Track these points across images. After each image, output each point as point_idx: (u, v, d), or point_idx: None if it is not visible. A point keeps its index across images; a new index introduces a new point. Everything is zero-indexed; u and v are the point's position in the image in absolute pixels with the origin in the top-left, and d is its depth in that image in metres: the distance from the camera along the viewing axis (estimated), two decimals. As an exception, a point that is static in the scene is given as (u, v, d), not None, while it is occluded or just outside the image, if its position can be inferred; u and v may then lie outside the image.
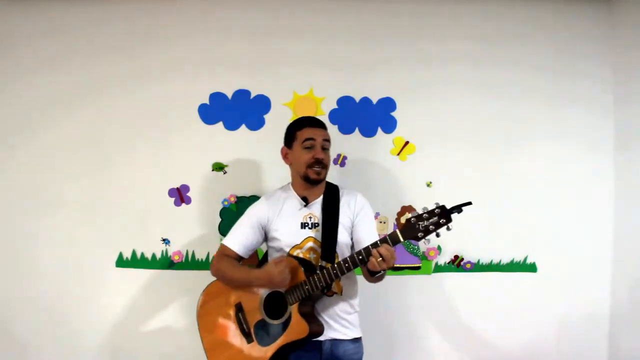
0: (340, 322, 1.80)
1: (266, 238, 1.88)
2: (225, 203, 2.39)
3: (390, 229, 2.44)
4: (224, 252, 1.84)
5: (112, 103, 2.41)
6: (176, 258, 2.39)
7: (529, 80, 2.51)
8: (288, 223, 1.82)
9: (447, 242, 2.45)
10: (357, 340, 1.84)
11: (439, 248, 2.46)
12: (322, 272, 1.66)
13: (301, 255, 1.78)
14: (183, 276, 2.38)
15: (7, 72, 2.41)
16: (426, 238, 1.56)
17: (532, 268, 2.50)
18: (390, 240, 1.58)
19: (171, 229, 2.40)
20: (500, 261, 2.49)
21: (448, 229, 1.56)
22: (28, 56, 2.41)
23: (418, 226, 1.55)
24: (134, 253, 2.40)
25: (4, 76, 2.41)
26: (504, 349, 2.49)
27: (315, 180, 1.81)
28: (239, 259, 1.85)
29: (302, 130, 1.83)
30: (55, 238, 2.38)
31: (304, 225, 1.81)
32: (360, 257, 1.61)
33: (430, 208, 1.56)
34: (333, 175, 2.41)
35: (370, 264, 1.59)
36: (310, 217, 1.82)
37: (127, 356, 2.39)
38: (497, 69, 2.50)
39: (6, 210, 2.39)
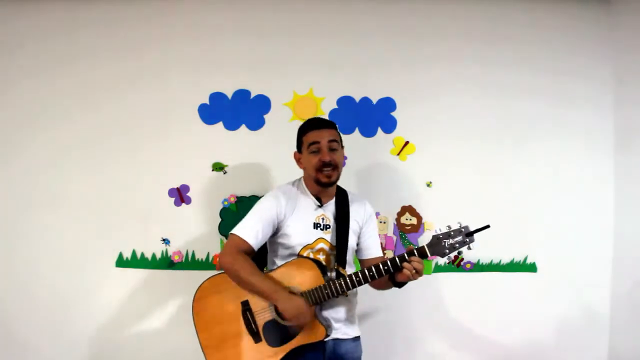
0: (343, 322, 1.80)
1: (275, 232, 1.81)
2: (225, 203, 2.39)
3: (390, 229, 2.44)
4: (239, 246, 1.72)
5: (112, 103, 2.41)
6: (176, 258, 2.39)
7: (529, 80, 2.51)
8: (302, 222, 1.79)
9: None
10: (357, 339, 1.85)
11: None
12: (345, 278, 1.67)
13: (311, 256, 1.77)
14: (183, 276, 2.38)
15: (8, 72, 2.41)
16: (449, 255, 1.66)
17: (532, 268, 2.50)
18: (417, 253, 1.65)
19: (171, 229, 2.40)
20: (500, 261, 2.49)
21: (469, 248, 1.67)
22: (29, 56, 2.41)
23: (444, 243, 1.66)
24: (134, 253, 2.40)
25: (5, 76, 2.41)
26: (504, 349, 2.49)
27: (326, 184, 1.78)
28: (251, 252, 1.75)
29: (307, 135, 1.81)
30: (55, 238, 2.38)
31: (316, 226, 1.80)
32: (386, 268, 1.65)
33: (454, 227, 1.68)
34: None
35: (402, 275, 1.65)
36: (323, 218, 1.82)
37: (127, 356, 2.39)
38: (498, 69, 2.50)
39: (6, 210, 2.39)
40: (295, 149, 1.89)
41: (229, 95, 2.42)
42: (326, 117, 2.44)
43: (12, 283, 2.38)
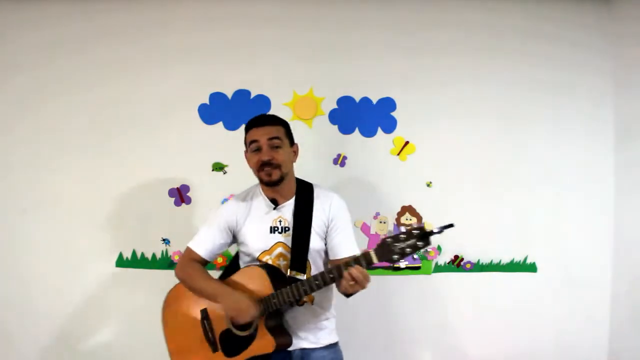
0: (311, 330, 1.70)
1: (235, 240, 1.78)
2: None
3: (390, 229, 2.44)
4: (190, 256, 1.74)
5: (111, 103, 2.41)
6: (176, 258, 2.38)
7: (530, 80, 2.51)
8: (256, 227, 1.70)
9: (447, 242, 2.45)
10: (332, 345, 1.74)
11: (439, 248, 2.46)
12: (292, 287, 1.55)
13: (270, 262, 1.68)
14: (183, 276, 2.38)
15: (4, 68, 2.41)
16: (401, 261, 1.47)
17: (532, 268, 2.50)
18: (363, 261, 1.47)
19: (171, 229, 2.40)
20: (500, 261, 2.49)
21: (426, 251, 1.53)
22: (25, 54, 2.41)
23: (394, 248, 1.44)
24: (134, 253, 2.40)
25: (1, 71, 2.41)
26: (504, 349, 2.49)
27: (268, 182, 1.67)
28: (204, 263, 1.75)
29: (248, 133, 1.72)
30: (55, 238, 2.38)
31: (273, 230, 1.70)
32: (332, 276, 1.52)
33: (406, 229, 1.46)
34: (333, 175, 2.42)
35: (341, 286, 1.52)
36: (280, 221, 1.70)
37: (127, 356, 2.39)
38: (498, 70, 2.50)
39: (5, 211, 2.39)
40: None
41: (229, 95, 2.42)
42: (326, 117, 2.44)
43: (12, 283, 2.38)
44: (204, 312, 1.72)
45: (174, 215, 2.39)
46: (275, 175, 1.66)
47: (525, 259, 2.50)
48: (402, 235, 1.44)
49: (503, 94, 2.50)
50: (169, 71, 2.41)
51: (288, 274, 1.64)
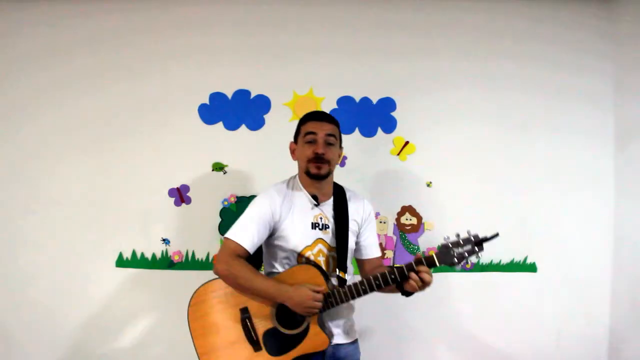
0: (344, 327, 1.76)
1: (271, 234, 1.74)
2: (225, 203, 2.39)
3: (390, 229, 2.44)
4: (235, 251, 1.65)
5: (111, 103, 2.41)
6: (176, 258, 2.39)
7: (530, 80, 2.51)
8: (299, 222, 1.71)
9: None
10: (355, 342, 1.81)
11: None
12: (350, 287, 1.62)
13: (312, 257, 1.70)
14: (183, 276, 2.38)
15: (5, 68, 2.41)
16: (459, 264, 1.60)
17: (532, 268, 2.50)
18: (425, 263, 1.60)
19: (171, 229, 2.40)
20: (500, 261, 2.49)
21: (478, 257, 1.62)
22: (24, 56, 2.41)
23: (454, 252, 1.59)
24: (134, 253, 2.40)
25: (2, 72, 2.41)
26: (504, 349, 2.49)
27: (315, 175, 1.70)
28: (246, 256, 1.68)
29: (305, 125, 1.75)
30: (55, 238, 2.38)
31: (314, 226, 1.73)
32: (393, 277, 1.60)
33: (463, 235, 1.61)
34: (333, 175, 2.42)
35: (409, 285, 1.59)
36: (321, 218, 1.74)
37: (127, 356, 2.39)
38: (498, 70, 2.50)
39: (6, 210, 2.39)
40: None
41: (229, 95, 2.42)
42: (326, 117, 2.44)
43: (12, 283, 2.38)
44: (245, 311, 1.67)
45: (174, 215, 2.40)
46: (324, 169, 1.70)
47: (525, 259, 2.50)
48: (460, 241, 1.59)
49: (503, 94, 2.50)
50: (169, 71, 2.41)
51: (337, 273, 1.70)
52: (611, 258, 2.52)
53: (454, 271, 2.46)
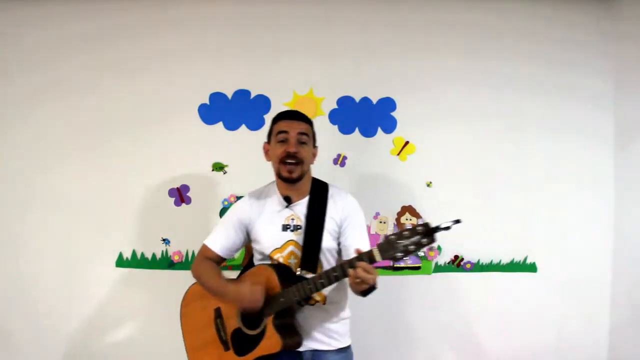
0: (323, 331, 1.68)
1: (249, 237, 1.78)
2: (225, 203, 2.39)
3: (390, 229, 2.44)
4: (205, 254, 1.76)
5: (111, 103, 2.40)
6: (176, 258, 2.39)
7: (530, 80, 2.51)
8: (269, 224, 1.71)
9: (447, 242, 2.45)
10: (343, 350, 1.71)
11: (439, 248, 2.46)
12: (297, 286, 1.55)
13: (281, 260, 1.68)
14: (183, 276, 2.36)
15: (5, 70, 2.40)
16: (405, 259, 1.42)
17: (532, 268, 2.50)
18: (366, 259, 1.44)
19: (171, 229, 2.40)
20: (500, 261, 2.49)
21: (431, 248, 1.51)
22: (25, 55, 2.41)
23: (397, 245, 1.40)
24: (134, 253, 2.40)
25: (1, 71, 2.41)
26: (504, 349, 2.49)
27: (287, 179, 1.66)
28: (220, 260, 1.77)
29: (277, 124, 1.72)
30: (55, 238, 2.38)
31: (285, 228, 1.69)
32: (336, 274, 1.49)
33: (407, 226, 1.47)
34: (333, 175, 2.42)
35: (350, 284, 1.50)
36: (292, 219, 1.70)
37: (127, 356, 2.39)
38: (498, 70, 2.50)
39: (6, 210, 2.39)
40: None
41: (229, 95, 2.42)
42: (326, 117, 2.44)
43: (12, 283, 2.38)
44: (218, 311, 1.73)
45: (174, 215, 2.40)
46: (296, 173, 1.67)
47: (525, 259, 2.50)
48: (405, 232, 1.40)
49: (503, 94, 2.50)
50: (169, 71, 2.41)
51: (299, 272, 1.64)
52: (611, 258, 2.52)
53: (455, 271, 2.46)
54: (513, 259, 2.49)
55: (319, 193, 1.73)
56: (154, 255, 2.40)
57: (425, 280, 2.47)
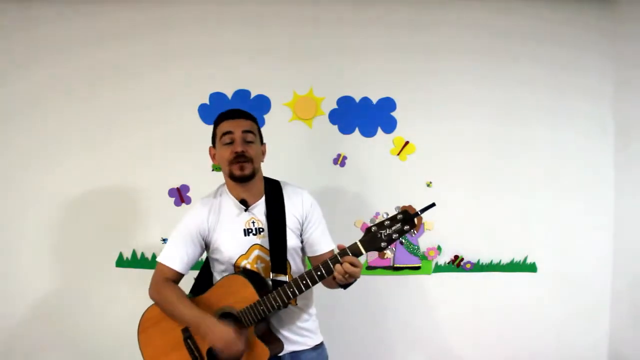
0: (298, 332, 1.65)
1: (207, 248, 1.68)
2: (225, 203, 2.39)
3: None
4: (164, 274, 1.62)
5: (111, 103, 2.40)
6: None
7: (529, 80, 2.51)
8: (229, 231, 1.62)
9: (447, 242, 2.45)
10: (318, 347, 1.69)
11: (439, 248, 2.46)
12: (278, 290, 1.50)
13: (248, 266, 1.61)
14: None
15: (4, 70, 2.40)
16: (390, 247, 1.43)
17: (532, 268, 2.50)
18: (350, 252, 1.43)
19: (171, 229, 2.38)
20: (500, 261, 2.49)
21: (413, 234, 1.50)
22: (24, 55, 2.40)
23: (380, 235, 1.40)
24: (134, 253, 2.40)
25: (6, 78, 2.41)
26: (504, 349, 2.49)
27: (240, 177, 1.59)
28: (179, 278, 1.65)
29: (220, 125, 1.65)
30: (55, 238, 2.38)
31: (247, 232, 1.62)
32: (320, 273, 1.46)
33: (391, 214, 1.45)
34: (333, 175, 2.42)
35: (337, 279, 1.46)
36: (253, 222, 1.63)
37: (127, 356, 2.39)
38: (498, 70, 2.50)
39: (6, 210, 2.38)
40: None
41: (229, 95, 2.42)
42: (326, 117, 2.44)
43: (12, 283, 2.38)
44: (186, 331, 1.61)
45: (174, 215, 2.39)
46: (247, 169, 1.59)
47: (525, 259, 2.50)
48: (386, 222, 1.40)
49: (503, 94, 2.50)
50: (169, 71, 2.41)
51: (271, 276, 1.58)
52: (611, 258, 2.52)
53: (455, 271, 2.47)
54: (513, 259, 2.50)
55: (273, 192, 1.67)
56: (154, 255, 2.40)
57: (425, 280, 2.47)
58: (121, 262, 2.39)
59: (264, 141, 1.74)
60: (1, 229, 2.38)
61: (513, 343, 2.50)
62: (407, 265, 2.45)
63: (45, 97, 2.40)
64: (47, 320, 2.38)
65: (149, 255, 2.40)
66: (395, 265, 2.44)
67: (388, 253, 2.43)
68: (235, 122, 1.64)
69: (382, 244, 1.41)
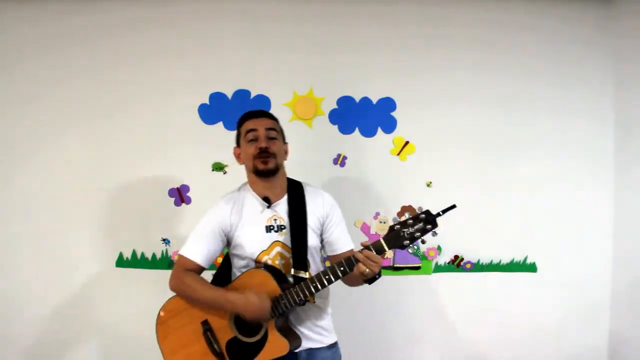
0: (315, 330, 1.68)
1: (228, 244, 1.71)
2: (225, 203, 2.39)
3: (390, 229, 2.44)
4: (185, 266, 1.66)
5: (111, 103, 2.40)
6: (176, 258, 2.38)
7: (529, 80, 2.51)
8: (252, 227, 1.66)
9: (447, 242, 2.45)
10: (333, 345, 1.72)
11: (439, 248, 2.46)
12: (300, 285, 1.53)
13: (269, 262, 1.64)
14: (183, 276, 2.38)
15: (3, 67, 2.40)
16: (411, 245, 1.47)
17: (532, 268, 2.50)
18: (373, 250, 1.47)
19: (171, 229, 2.40)
20: (500, 261, 2.49)
21: (434, 234, 1.53)
22: (24, 52, 2.40)
23: (403, 234, 1.45)
24: (134, 253, 2.40)
25: (5, 76, 2.41)
26: (504, 349, 2.49)
27: (264, 171, 1.64)
28: (200, 271, 1.68)
29: (244, 124, 1.71)
30: (56, 238, 2.38)
31: (269, 229, 1.66)
32: (342, 269, 1.50)
33: (412, 215, 1.47)
34: (333, 175, 2.42)
35: (358, 269, 1.48)
36: (275, 219, 1.67)
37: (127, 356, 2.39)
38: (498, 69, 2.50)
39: (6, 210, 2.38)
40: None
41: (229, 95, 2.42)
42: (326, 117, 2.44)
43: (12, 283, 2.38)
44: (206, 324, 1.65)
45: (174, 215, 2.39)
46: (271, 163, 1.64)
47: (525, 259, 2.50)
48: (409, 221, 1.46)
49: (503, 95, 2.50)
50: (169, 71, 2.41)
51: (292, 272, 1.61)
52: (611, 258, 2.52)
53: (455, 271, 2.47)
54: (513, 259, 2.50)
55: (295, 191, 1.72)
56: (154, 255, 2.40)
57: (425, 280, 2.47)
58: (121, 262, 2.39)
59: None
60: (2, 229, 2.38)
61: (513, 343, 2.50)
62: (407, 265, 2.45)
63: (44, 98, 2.40)
64: (47, 320, 2.38)
65: (149, 255, 2.40)
66: (395, 265, 2.44)
67: (388, 253, 2.42)
68: (258, 120, 1.70)
69: (405, 242, 1.46)
